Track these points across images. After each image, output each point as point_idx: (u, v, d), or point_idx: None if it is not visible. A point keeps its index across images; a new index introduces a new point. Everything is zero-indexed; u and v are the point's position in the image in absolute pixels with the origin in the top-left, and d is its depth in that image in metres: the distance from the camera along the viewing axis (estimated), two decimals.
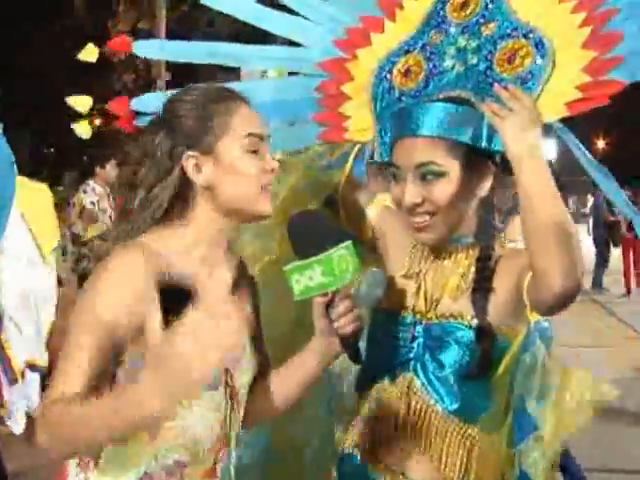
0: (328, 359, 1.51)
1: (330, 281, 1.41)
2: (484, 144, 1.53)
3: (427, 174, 1.53)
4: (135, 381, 1.22)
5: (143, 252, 1.35)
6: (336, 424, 1.79)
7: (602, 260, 12.21)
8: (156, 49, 2.04)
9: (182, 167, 1.41)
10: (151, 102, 1.82)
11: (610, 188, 1.54)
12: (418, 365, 1.58)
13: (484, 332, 1.52)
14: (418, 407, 1.56)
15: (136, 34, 12.51)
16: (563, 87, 1.52)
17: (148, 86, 11.89)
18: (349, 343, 1.46)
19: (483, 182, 1.56)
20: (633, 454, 4.72)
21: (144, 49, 1.92)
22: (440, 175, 1.52)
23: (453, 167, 1.52)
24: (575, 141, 1.54)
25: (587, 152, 1.54)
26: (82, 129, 1.99)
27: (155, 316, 1.29)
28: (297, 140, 1.85)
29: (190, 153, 1.41)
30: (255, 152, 1.43)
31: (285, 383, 1.56)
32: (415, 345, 1.59)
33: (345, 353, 1.47)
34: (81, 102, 2.01)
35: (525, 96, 1.47)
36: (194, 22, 13.87)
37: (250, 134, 1.43)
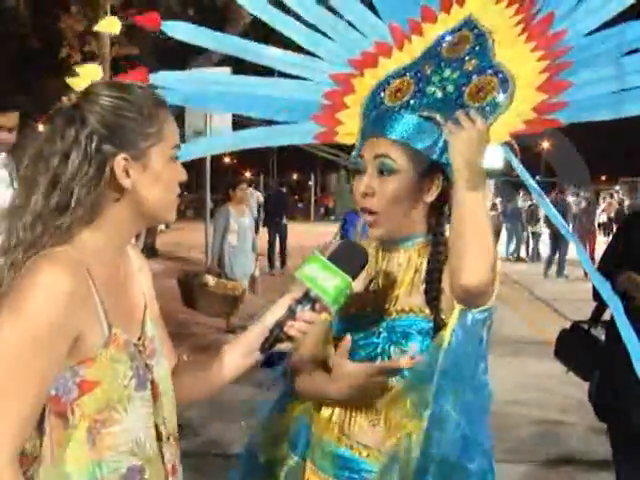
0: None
1: (329, 296, 1.51)
2: (436, 157, 1.71)
3: (382, 167, 1.71)
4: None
5: (70, 264, 1.31)
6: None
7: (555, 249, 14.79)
8: (185, 31, 2.02)
9: (111, 168, 1.35)
10: (167, 78, 1.98)
11: (543, 204, 1.75)
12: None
13: (438, 321, 1.69)
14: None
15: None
16: (513, 120, 1.73)
17: None
18: (275, 339, 1.53)
19: (431, 190, 1.74)
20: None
21: (174, 30, 1.97)
22: (393, 172, 1.70)
23: (406, 168, 1.71)
24: (516, 161, 1.73)
25: (526, 172, 1.73)
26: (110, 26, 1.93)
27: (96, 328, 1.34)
28: (296, 136, 2.03)
29: (123, 156, 1.36)
30: (175, 162, 1.44)
31: (226, 365, 1.59)
32: (381, 340, 1.75)
33: (263, 344, 1.54)
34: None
35: (479, 119, 1.62)
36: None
37: (176, 145, 1.44)
